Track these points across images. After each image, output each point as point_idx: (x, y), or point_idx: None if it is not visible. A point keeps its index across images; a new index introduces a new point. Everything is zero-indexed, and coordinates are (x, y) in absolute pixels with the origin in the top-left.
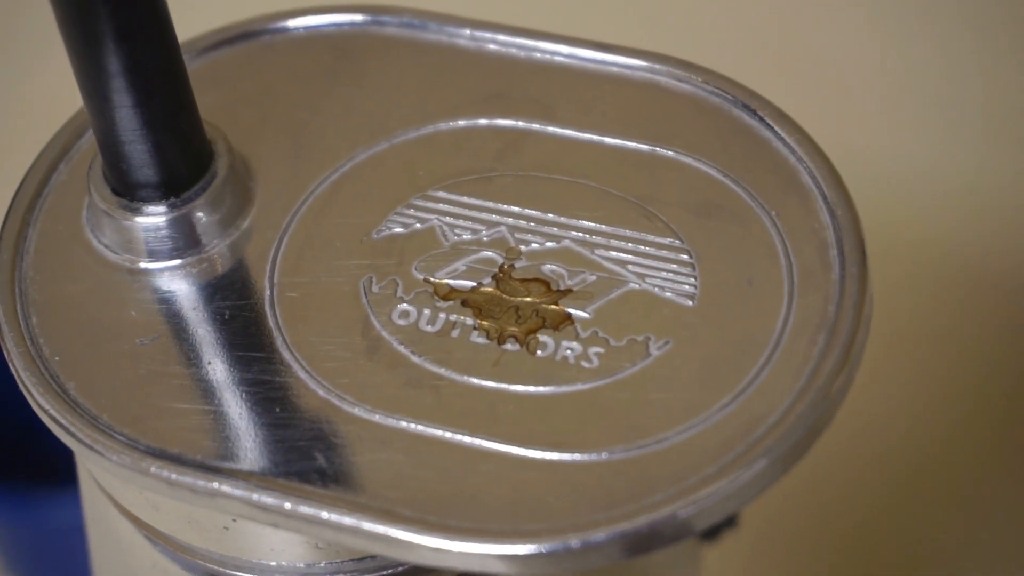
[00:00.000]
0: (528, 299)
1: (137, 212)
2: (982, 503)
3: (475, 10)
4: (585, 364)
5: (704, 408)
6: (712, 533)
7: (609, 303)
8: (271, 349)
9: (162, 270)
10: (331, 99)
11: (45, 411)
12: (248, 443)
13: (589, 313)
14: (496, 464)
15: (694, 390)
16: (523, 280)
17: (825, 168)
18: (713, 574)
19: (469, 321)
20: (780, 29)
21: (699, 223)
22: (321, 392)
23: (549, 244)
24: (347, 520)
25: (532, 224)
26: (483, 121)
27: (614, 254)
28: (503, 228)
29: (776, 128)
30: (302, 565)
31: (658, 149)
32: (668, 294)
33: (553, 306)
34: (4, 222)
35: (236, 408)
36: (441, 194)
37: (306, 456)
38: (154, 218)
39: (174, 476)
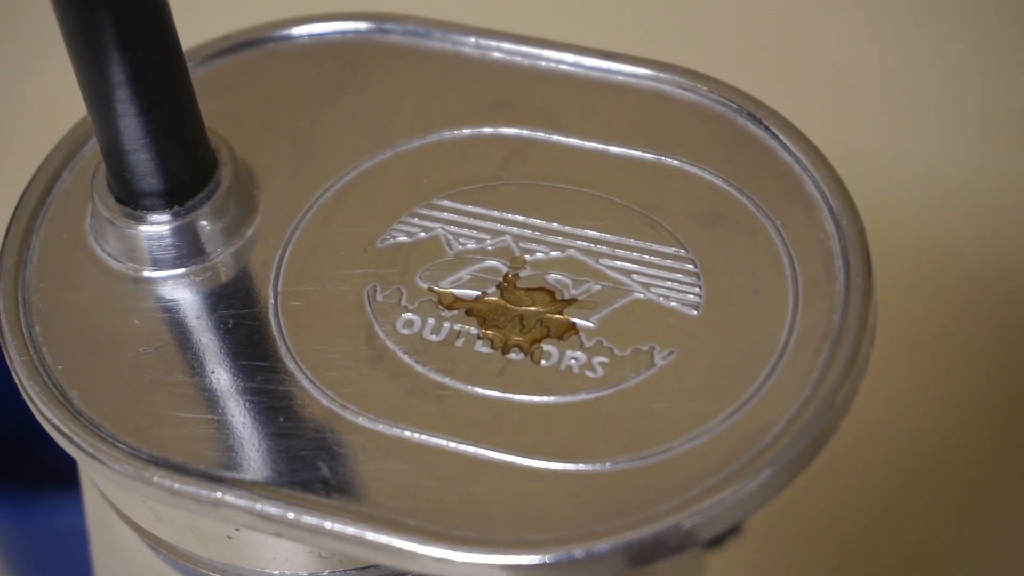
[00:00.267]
0: (532, 308)
1: (141, 221)
2: (985, 509)
3: (479, 18)
4: (589, 374)
5: (709, 418)
6: (716, 541)
7: (614, 313)
8: (275, 358)
9: (166, 279)
10: (335, 107)
11: (48, 420)
12: (251, 452)
13: (594, 323)
14: (500, 474)
15: (699, 400)
16: (527, 289)
17: (830, 177)
18: None
19: (473, 330)
20: (780, 30)
21: (704, 232)
22: (325, 401)
23: (554, 253)
24: (350, 530)
25: (537, 233)
26: (487, 130)
27: (619, 263)
28: (507, 237)
29: (781, 137)
30: (305, 574)
31: (663, 158)
32: (673, 304)
33: (558, 316)
34: (7, 230)
35: (239, 417)
36: (445, 203)
37: (310, 466)
38: (158, 227)
39: (177, 485)
